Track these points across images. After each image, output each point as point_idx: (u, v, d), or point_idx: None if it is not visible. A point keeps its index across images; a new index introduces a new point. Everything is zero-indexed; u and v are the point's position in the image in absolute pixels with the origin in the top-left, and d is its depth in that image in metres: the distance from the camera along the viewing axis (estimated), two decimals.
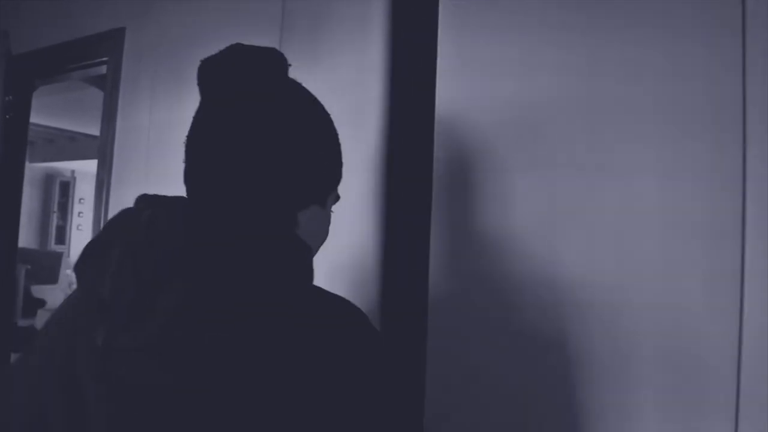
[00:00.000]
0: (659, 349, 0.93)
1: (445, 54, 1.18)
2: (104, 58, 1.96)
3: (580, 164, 1.01)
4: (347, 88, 1.30)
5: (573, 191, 1.01)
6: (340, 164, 0.64)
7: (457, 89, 1.16)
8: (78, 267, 0.56)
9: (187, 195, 0.58)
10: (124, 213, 0.55)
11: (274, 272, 0.50)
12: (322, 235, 0.64)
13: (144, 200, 0.56)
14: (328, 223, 0.65)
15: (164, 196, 0.57)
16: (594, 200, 0.99)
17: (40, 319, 4.12)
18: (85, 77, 2.46)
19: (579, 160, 1.01)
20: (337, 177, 0.64)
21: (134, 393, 0.45)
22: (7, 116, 2.20)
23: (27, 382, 0.54)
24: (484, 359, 1.07)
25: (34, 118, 2.57)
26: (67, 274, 5.29)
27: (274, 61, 0.59)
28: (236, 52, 0.57)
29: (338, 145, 0.64)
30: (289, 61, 0.61)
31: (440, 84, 1.18)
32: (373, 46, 1.29)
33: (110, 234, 0.54)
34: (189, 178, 0.58)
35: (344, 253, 1.24)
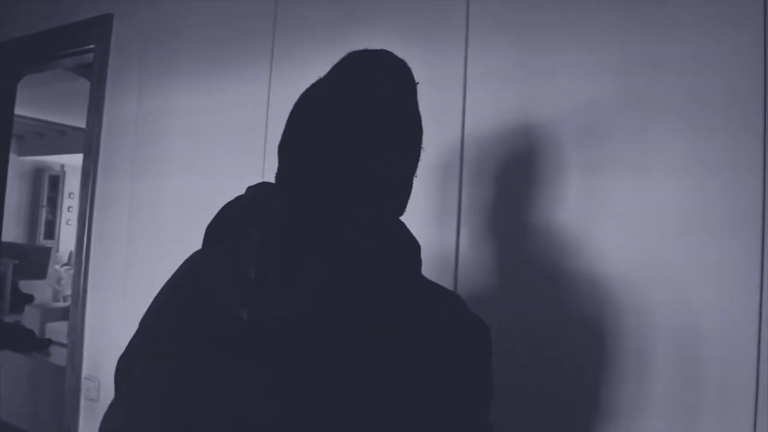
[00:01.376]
0: (678, 347, 0.90)
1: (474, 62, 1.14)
2: (91, 46, 1.89)
3: (608, 162, 0.99)
4: None
5: (601, 188, 0.99)
6: None
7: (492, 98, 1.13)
8: (205, 247, 0.60)
9: (285, 172, 0.60)
10: (240, 199, 0.59)
11: (399, 255, 0.56)
12: None
13: (268, 187, 0.60)
14: None
15: (288, 184, 0.59)
16: (620, 197, 0.97)
17: (28, 314, 4.02)
18: (73, 65, 2.39)
19: (607, 159, 0.99)
20: None
21: (282, 360, 0.49)
22: None
23: (161, 359, 0.55)
24: (513, 344, 1.04)
25: (24, 111, 2.50)
26: (56, 269, 5.19)
27: (410, 79, 0.64)
28: (387, 56, 0.64)
29: None
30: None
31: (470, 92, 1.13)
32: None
33: (231, 218, 0.58)
34: (294, 155, 0.60)
35: None
